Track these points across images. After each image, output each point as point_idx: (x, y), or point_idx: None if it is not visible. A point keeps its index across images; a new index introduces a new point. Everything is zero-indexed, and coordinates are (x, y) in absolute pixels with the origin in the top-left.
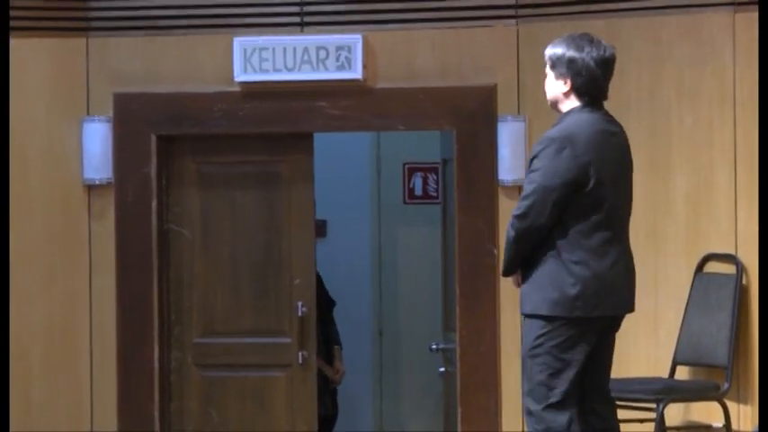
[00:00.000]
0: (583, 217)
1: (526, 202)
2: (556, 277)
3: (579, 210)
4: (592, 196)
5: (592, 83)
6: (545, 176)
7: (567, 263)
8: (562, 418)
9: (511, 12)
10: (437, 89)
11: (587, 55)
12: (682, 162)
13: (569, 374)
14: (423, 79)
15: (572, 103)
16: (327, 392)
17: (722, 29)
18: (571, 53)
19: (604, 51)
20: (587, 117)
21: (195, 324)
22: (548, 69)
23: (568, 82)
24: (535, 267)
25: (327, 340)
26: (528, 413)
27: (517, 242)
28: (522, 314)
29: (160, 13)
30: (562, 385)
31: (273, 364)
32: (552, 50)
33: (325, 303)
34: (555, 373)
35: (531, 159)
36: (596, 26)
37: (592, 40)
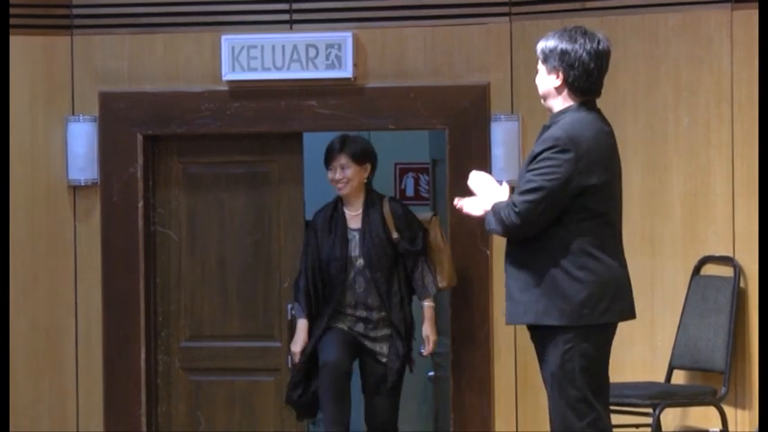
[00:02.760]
0: (589, 220)
1: (528, 204)
2: (563, 284)
3: (585, 213)
4: (597, 199)
5: (585, 76)
6: (550, 178)
7: (573, 269)
8: (603, 429)
9: (504, 9)
10: (429, 88)
11: (580, 47)
12: (678, 162)
13: (602, 384)
14: (414, 78)
15: (565, 99)
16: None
17: (719, 26)
18: (563, 45)
19: (598, 44)
20: (586, 116)
21: (182, 327)
22: (539, 64)
23: (560, 75)
24: (536, 275)
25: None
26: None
27: (503, 233)
28: (522, 324)
29: (146, 11)
30: (598, 396)
31: (262, 368)
32: (544, 44)
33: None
34: (591, 386)
35: (533, 157)
36: (591, 24)
37: (585, 32)
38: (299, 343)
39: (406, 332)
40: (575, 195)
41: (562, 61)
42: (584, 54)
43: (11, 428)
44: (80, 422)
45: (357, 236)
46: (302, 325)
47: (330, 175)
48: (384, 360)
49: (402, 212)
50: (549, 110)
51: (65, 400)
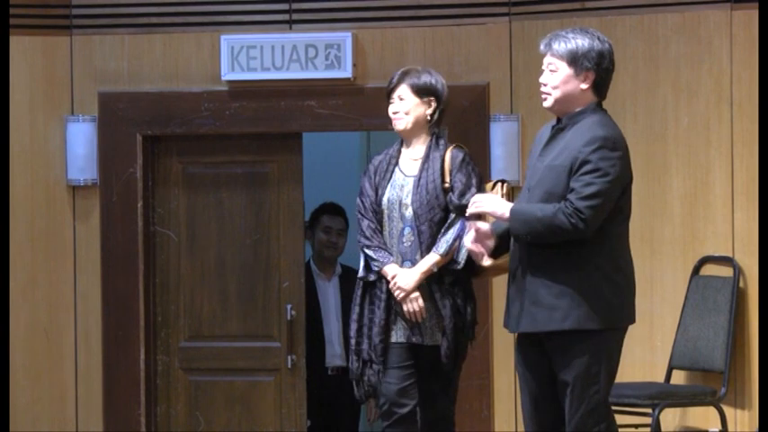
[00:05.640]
0: (622, 222)
1: (594, 211)
2: (604, 288)
3: (621, 214)
4: (628, 198)
5: (610, 77)
6: (609, 179)
7: (612, 272)
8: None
9: (504, 9)
10: None
11: (610, 47)
12: (678, 162)
13: (612, 388)
14: None
15: (586, 101)
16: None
17: (719, 26)
18: (598, 46)
19: (610, 43)
20: (607, 117)
21: (182, 328)
22: (561, 66)
23: (591, 77)
24: (576, 279)
25: None
26: None
27: (562, 235)
28: (551, 331)
29: (145, 11)
30: (608, 399)
31: (261, 368)
32: (572, 45)
33: None
34: (609, 390)
35: (585, 160)
36: (591, 24)
37: (599, 32)
38: (403, 280)
39: (458, 303)
40: (619, 195)
41: (599, 64)
42: (612, 55)
43: (11, 428)
44: (79, 422)
45: (411, 182)
46: (395, 268)
47: (389, 108)
48: (430, 342)
49: (461, 159)
50: (562, 113)
51: (64, 400)
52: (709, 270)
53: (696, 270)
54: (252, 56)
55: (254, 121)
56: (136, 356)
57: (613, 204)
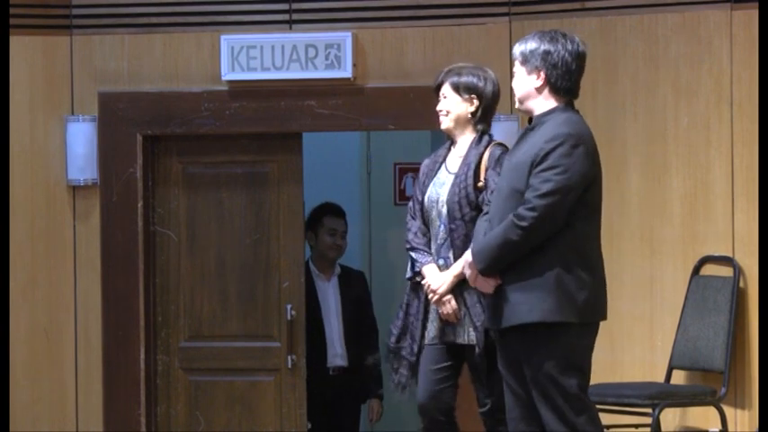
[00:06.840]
0: (590, 219)
1: (544, 202)
2: (569, 283)
3: (587, 211)
4: (596, 198)
5: (567, 76)
6: (566, 175)
7: (574, 266)
8: (600, 426)
9: (504, 9)
10: (429, 88)
11: (562, 47)
12: (678, 162)
13: (588, 383)
14: (413, 78)
15: (547, 100)
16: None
17: (719, 26)
18: (546, 46)
19: (578, 46)
20: (575, 116)
21: (182, 327)
22: (518, 67)
23: (542, 76)
24: (541, 275)
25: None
26: (568, 428)
27: (523, 243)
28: (523, 323)
29: (145, 11)
30: (586, 392)
31: (261, 368)
32: (523, 46)
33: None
34: (583, 382)
35: (544, 156)
36: (590, 24)
37: (564, 35)
38: (435, 282)
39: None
40: (583, 190)
41: (545, 61)
42: (566, 54)
43: (11, 428)
44: (79, 422)
45: (451, 179)
46: (431, 269)
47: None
48: (464, 342)
49: (497, 157)
50: (528, 112)
51: (64, 400)
52: (709, 270)
53: (696, 270)
54: (252, 56)
55: (254, 121)
56: (136, 356)
57: (574, 200)
